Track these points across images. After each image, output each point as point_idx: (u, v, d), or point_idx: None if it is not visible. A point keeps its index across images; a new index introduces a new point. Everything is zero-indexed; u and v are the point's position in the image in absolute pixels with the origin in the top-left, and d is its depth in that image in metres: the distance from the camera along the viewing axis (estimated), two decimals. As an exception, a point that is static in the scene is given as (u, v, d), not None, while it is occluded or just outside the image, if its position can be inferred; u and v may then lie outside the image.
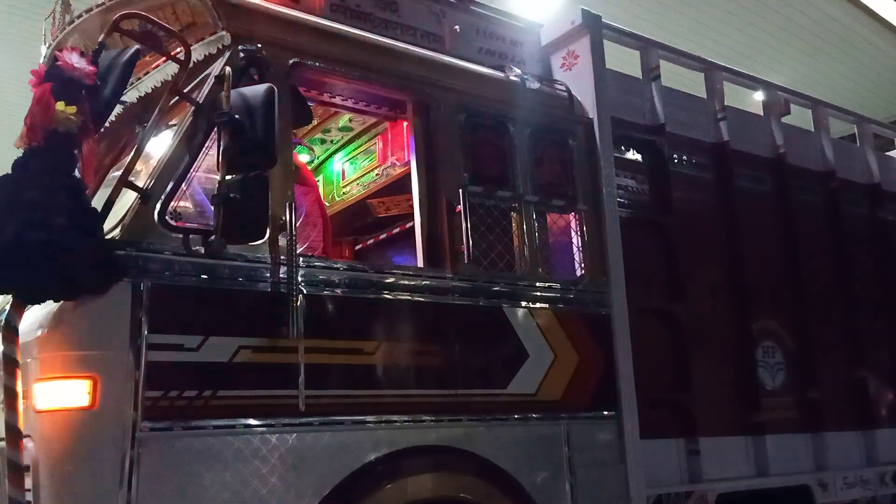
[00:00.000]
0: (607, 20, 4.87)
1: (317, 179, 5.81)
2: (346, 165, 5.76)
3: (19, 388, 2.76)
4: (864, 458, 5.54)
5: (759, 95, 6.05)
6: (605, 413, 4.22)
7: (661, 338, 4.65)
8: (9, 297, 2.86)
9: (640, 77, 5.14)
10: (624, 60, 5.22)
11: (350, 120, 5.34)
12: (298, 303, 3.26)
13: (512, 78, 4.43)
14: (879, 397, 5.86)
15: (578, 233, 4.41)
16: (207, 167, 3.30)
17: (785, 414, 5.15)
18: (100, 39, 3.07)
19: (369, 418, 3.43)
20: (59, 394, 2.79)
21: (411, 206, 4.15)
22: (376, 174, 5.41)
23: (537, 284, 4.16)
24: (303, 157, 5.51)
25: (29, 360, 2.83)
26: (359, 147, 5.62)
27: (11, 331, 2.75)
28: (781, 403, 5.16)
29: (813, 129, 6.19)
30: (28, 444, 2.78)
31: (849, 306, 5.78)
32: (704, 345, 4.81)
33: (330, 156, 5.84)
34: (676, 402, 4.62)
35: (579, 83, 4.66)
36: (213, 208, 3.06)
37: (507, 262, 4.09)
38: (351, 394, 3.43)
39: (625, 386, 4.27)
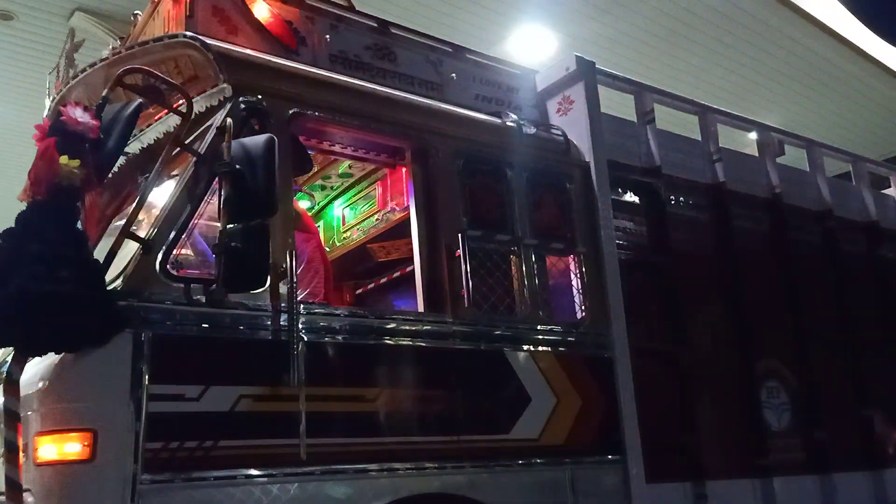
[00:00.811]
0: (601, 65, 4.96)
1: (317, 225, 5.85)
2: (346, 211, 5.80)
3: (20, 441, 2.74)
4: (873, 499, 5.47)
5: (753, 136, 6.13)
6: (610, 457, 4.19)
7: (664, 380, 4.63)
8: (10, 350, 2.86)
9: (635, 120, 5.20)
10: (619, 103, 5.31)
11: (350, 166, 5.40)
12: (299, 350, 3.26)
13: (508, 124, 4.49)
14: (885, 436, 5.81)
15: (578, 275, 4.42)
16: (209, 216, 3.33)
17: (792, 455, 5.10)
18: (104, 94, 3.12)
19: (371, 466, 3.40)
20: (59, 447, 2.77)
21: (411, 251, 4.18)
22: (376, 219, 5.45)
23: (538, 328, 4.16)
24: (303, 204, 5.56)
25: (29, 412, 2.82)
26: (359, 193, 5.67)
27: (13, 384, 2.75)
28: (788, 445, 5.11)
29: (808, 169, 6.24)
30: (28, 498, 2.76)
31: (851, 345, 5.76)
32: (708, 386, 4.79)
33: (330, 202, 5.89)
34: (682, 444, 4.58)
35: (575, 127, 4.72)
36: (214, 257, 3.08)
37: (508, 306, 4.10)
38: (353, 442, 3.41)
39: (629, 429, 4.24)
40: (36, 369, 2.86)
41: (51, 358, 2.85)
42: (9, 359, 2.87)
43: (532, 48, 9.33)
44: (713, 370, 4.91)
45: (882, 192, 7.08)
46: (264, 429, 3.17)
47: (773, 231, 5.61)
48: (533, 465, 3.92)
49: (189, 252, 3.60)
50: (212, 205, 3.25)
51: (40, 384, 2.84)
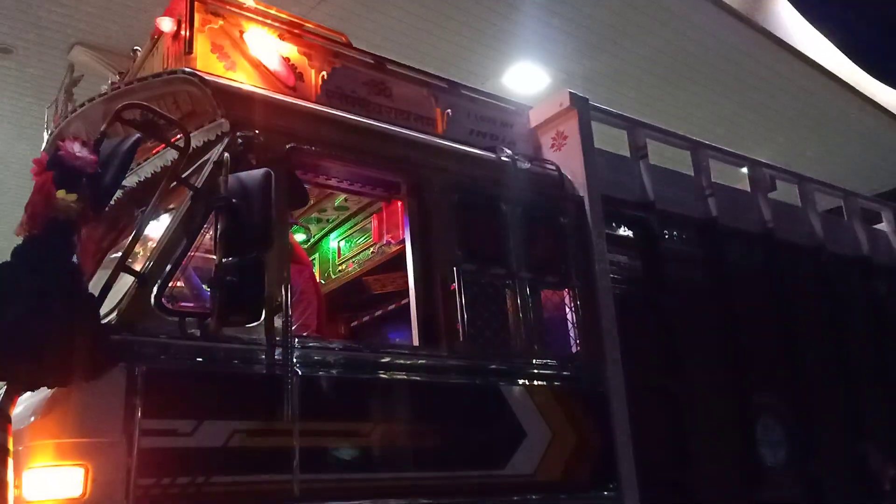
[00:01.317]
0: (594, 101, 5.02)
1: (313, 257, 5.87)
2: (341, 243, 5.82)
3: (10, 477, 2.71)
4: (869, 535, 5.43)
5: (745, 171, 6.19)
6: (606, 493, 4.16)
7: (659, 414, 4.62)
8: (2, 384, 2.85)
9: (629, 155, 5.25)
10: (613, 137, 5.37)
11: (345, 199, 5.43)
12: (293, 384, 3.24)
13: (503, 158, 4.53)
14: (881, 472, 5.77)
15: (573, 309, 4.43)
16: (205, 250, 3.34)
17: (788, 491, 5.06)
18: (102, 129, 3.15)
19: (365, 502, 3.37)
20: (51, 483, 2.74)
21: (406, 284, 4.18)
22: (372, 252, 5.46)
23: (533, 362, 4.16)
24: (298, 237, 5.57)
25: (20, 448, 2.79)
26: (354, 226, 5.69)
27: (4, 419, 2.72)
28: (783, 481, 5.08)
29: (800, 204, 6.30)
30: (18, 535, 2.72)
31: (846, 379, 5.76)
32: (704, 421, 4.77)
33: (326, 234, 5.91)
34: (677, 480, 4.55)
35: (569, 162, 4.77)
36: (208, 291, 3.08)
37: (503, 340, 4.10)
38: (346, 477, 3.38)
39: (624, 464, 4.21)
40: (28, 404, 2.85)
41: (43, 392, 2.84)
42: (1, 393, 2.86)
43: (526, 84, 9.45)
44: (708, 405, 4.89)
45: (874, 227, 7.13)
46: (257, 464, 3.14)
47: (766, 266, 5.64)
48: (528, 500, 3.90)
49: (184, 285, 3.61)
50: (208, 238, 3.26)
51: (32, 419, 2.82)
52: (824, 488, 5.21)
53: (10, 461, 2.71)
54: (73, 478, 2.74)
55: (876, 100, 11.32)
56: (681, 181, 5.48)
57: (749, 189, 5.99)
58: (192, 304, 3.78)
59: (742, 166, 6.19)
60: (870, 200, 7.40)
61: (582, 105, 4.89)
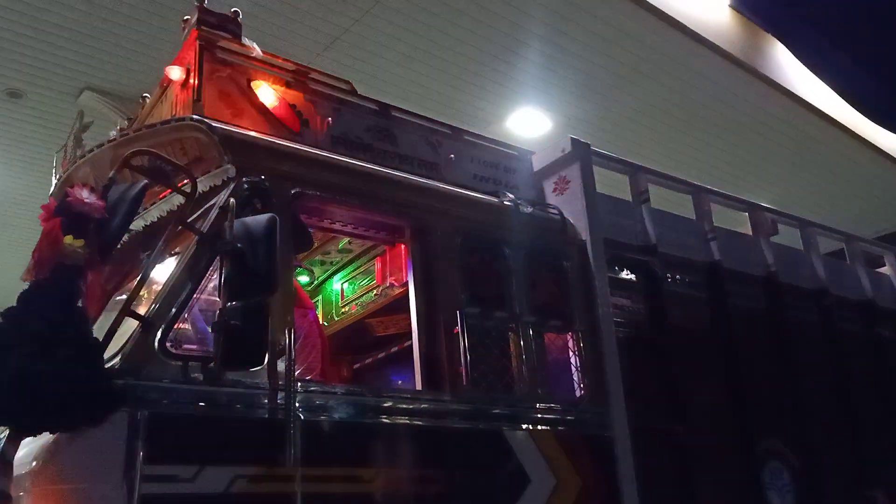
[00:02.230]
0: (595, 144, 5.08)
1: (316, 299, 5.88)
2: (345, 286, 5.84)
3: (10, 523, 2.70)
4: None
5: (746, 214, 6.22)
6: (611, 541, 4.10)
7: (664, 459, 4.57)
8: (4, 428, 2.84)
9: (631, 199, 5.30)
10: (616, 181, 5.41)
11: (349, 242, 5.46)
12: (296, 429, 3.23)
13: (506, 203, 4.57)
14: (891, 518, 5.69)
15: (576, 353, 4.43)
16: (209, 294, 3.36)
17: (796, 538, 4.99)
18: (110, 175, 3.19)
19: (368, 549, 3.33)
20: (51, 529, 2.73)
21: (409, 326, 4.19)
22: (375, 294, 5.48)
23: (537, 406, 4.14)
24: (302, 279, 5.59)
25: (21, 493, 2.78)
26: (357, 268, 5.72)
27: (6, 464, 2.71)
28: (791, 527, 5.01)
29: (802, 248, 6.32)
30: (16, 583, 2.70)
31: (851, 423, 5.71)
32: (709, 466, 4.72)
33: (329, 276, 5.93)
34: (684, 527, 4.49)
35: (571, 207, 4.81)
36: (212, 335, 3.09)
37: (506, 384, 4.09)
38: (349, 524, 3.35)
39: (630, 512, 4.16)
40: (29, 448, 2.84)
41: (45, 437, 2.83)
42: (2, 437, 2.86)
43: (529, 128, 9.56)
44: (714, 450, 4.85)
45: (876, 270, 7.14)
46: (259, 511, 3.12)
47: (769, 309, 5.64)
48: (532, 549, 3.83)
49: (188, 329, 3.62)
50: (212, 283, 3.28)
51: (34, 464, 2.81)
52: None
53: (11, 507, 2.70)
54: (73, 524, 2.72)
55: (876, 144, 11.41)
56: (683, 225, 5.51)
57: (751, 233, 6.01)
58: (195, 347, 3.79)
59: (744, 210, 6.23)
60: (872, 244, 7.42)
61: (584, 150, 4.95)
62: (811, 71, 10.30)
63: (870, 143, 11.31)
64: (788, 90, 9.94)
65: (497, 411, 3.97)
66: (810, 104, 10.26)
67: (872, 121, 11.24)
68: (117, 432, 2.87)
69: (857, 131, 11.05)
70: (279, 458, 3.17)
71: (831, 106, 10.62)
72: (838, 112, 10.73)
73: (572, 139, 4.94)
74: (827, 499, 5.21)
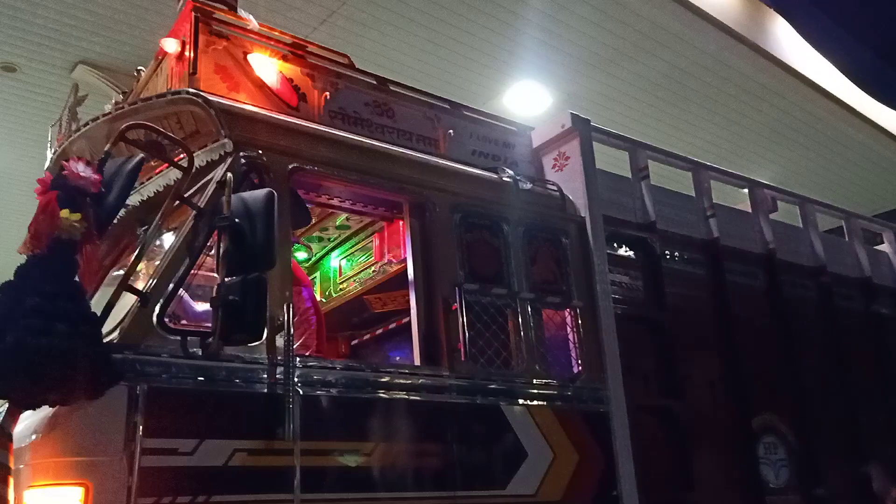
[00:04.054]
0: (595, 121, 5.05)
1: (314, 276, 5.88)
2: (343, 262, 5.83)
3: (11, 495, 2.71)
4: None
5: (746, 192, 6.21)
6: (608, 513, 4.13)
7: (661, 435, 4.61)
8: (4, 402, 2.85)
9: (630, 176, 5.28)
10: (615, 158, 5.39)
11: (347, 218, 5.44)
12: (294, 404, 3.24)
13: (505, 179, 4.56)
14: (884, 492, 5.73)
15: (574, 329, 4.44)
16: (207, 269, 3.35)
17: (790, 512, 5.04)
18: (106, 148, 3.17)
19: (366, 523, 3.36)
20: (52, 501, 2.74)
21: (407, 302, 4.19)
22: (373, 271, 5.47)
23: (534, 382, 4.15)
24: (300, 255, 5.58)
25: (22, 466, 2.79)
26: (356, 244, 5.71)
27: (5, 436, 2.72)
28: (787, 501, 5.06)
29: (801, 225, 6.31)
30: (17, 554, 2.71)
31: (847, 399, 5.75)
32: (705, 441, 4.76)
33: (327, 253, 5.92)
34: (680, 500, 4.53)
35: (571, 183, 4.79)
36: (211, 310, 3.09)
37: (504, 360, 4.10)
38: (347, 497, 3.37)
39: (626, 484, 4.20)
40: (29, 422, 2.85)
41: (45, 411, 2.84)
42: (2, 411, 2.86)
43: (527, 104, 9.48)
44: (710, 425, 4.89)
45: (874, 247, 7.14)
46: (258, 484, 3.13)
47: (767, 286, 5.65)
48: (530, 522, 3.87)
49: (186, 304, 3.61)
50: (210, 258, 3.27)
51: (33, 437, 2.82)
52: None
53: (11, 479, 2.71)
54: (74, 496, 2.74)
55: (877, 121, 11.37)
56: (682, 202, 5.50)
57: (750, 210, 6.01)
58: (194, 324, 3.78)
59: (743, 187, 6.21)
60: (870, 221, 7.42)
61: (583, 126, 4.92)
62: (812, 46, 10.24)
63: (870, 120, 11.26)
64: (789, 66, 9.88)
65: (495, 387, 3.98)
66: (811, 81, 10.20)
67: (872, 96, 11.19)
68: (117, 406, 2.88)
69: (857, 108, 10.99)
70: (278, 433, 3.18)
71: (832, 82, 10.57)
72: (839, 89, 10.67)
73: (572, 115, 4.92)
74: (821, 473, 5.25)
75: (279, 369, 3.28)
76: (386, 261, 5.32)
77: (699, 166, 5.75)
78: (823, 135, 11.25)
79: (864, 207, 8.88)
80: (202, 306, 3.87)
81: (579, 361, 4.38)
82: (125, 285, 3.08)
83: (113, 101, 4.82)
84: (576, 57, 9.00)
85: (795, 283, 5.85)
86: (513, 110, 9.13)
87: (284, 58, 4.20)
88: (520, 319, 4.20)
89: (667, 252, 5.14)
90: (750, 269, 5.61)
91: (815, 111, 10.69)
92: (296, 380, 3.29)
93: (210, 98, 3.66)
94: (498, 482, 3.82)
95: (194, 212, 3.35)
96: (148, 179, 3.97)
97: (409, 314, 4.15)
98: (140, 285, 3.20)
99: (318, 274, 5.93)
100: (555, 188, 4.79)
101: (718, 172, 5.93)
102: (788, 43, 10.01)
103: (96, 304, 3.06)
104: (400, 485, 3.54)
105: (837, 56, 10.36)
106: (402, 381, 3.74)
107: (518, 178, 4.59)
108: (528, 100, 9.50)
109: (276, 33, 4.26)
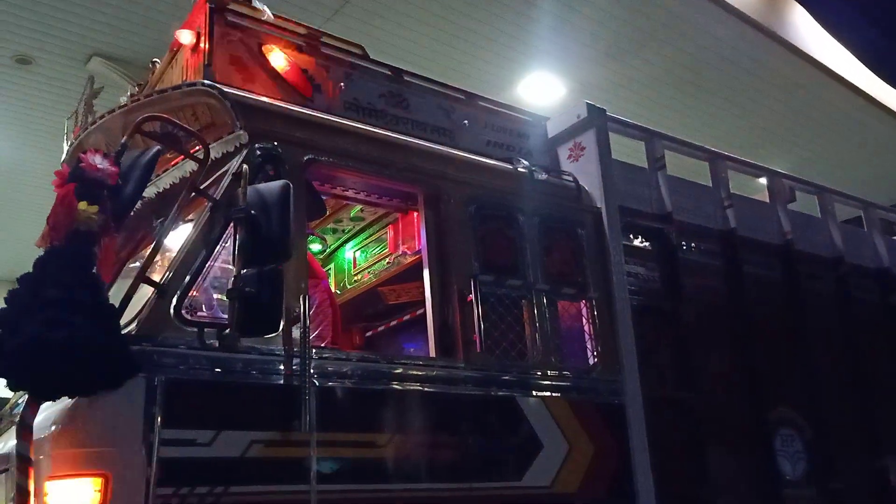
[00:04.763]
0: (610, 111, 5.01)
1: (329, 268, 5.88)
2: (357, 254, 5.83)
3: (31, 486, 2.73)
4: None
5: (764, 181, 6.15)
6: (623, 505, 4.13)
7: (676, 427, 4.58)
8: (23, 394, 2.87)
9: (646, 166, 5.23)
10: (631, 148, 5.35)
11: (361, 210, 5.44)
12: (310, 395, 3.25)
13: (520, 170, 4.53)
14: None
15: (590, 321, 4.42)
16: (223, 261, 3.36)
17: (807, 505, 5.01)
18: (122, 141, 3.17)
19: (381, 513, 3.37)
20: (71, 492, 2.76)
21: (422, 294, 4.19)
22: (387, 262, 5.47)
23: (550, 373, 4.14)
24: (314, 247, 5.59)
25: (41, 457, 2.80)
26: (370, 236, 5.71)
27: (25, 428, 2.74)
28: (803, 494, 5.03)
29: (819, 215, 6.25)
30: (38, 544, 2.74)
31: (864, 392, 5.70)
32: (721, 434, 4.74)
33: (341, 244, 5.93)
34: (695, 493, 4.51)
35: (586, 173, 4.76)
36: (228, 302, 3.09)
37: (519, 351, 4.09)
38: (363, 488, 3.38)
39: (642, 477, 4.19)
40: (48, 413, 2.87)
41: (64, 402, 2.86)
42: (22, 402, 2.88)
43: (542, 94, 9.45)
44: (726, 417, 4.86)
45: (893, 238, 7.06)
46: (275, 475, 3.15)
47: (784, 277, 5.60)
48: (545, 513, 3.87)
49: (203, 296, 3.62)
50: (226, 250, 3.28)
51: (53, 428, 2.84)
52: (844, 502, 5.14)
53: (31, 470, 2.73)
54: (92, 487, 2.76)
55: (895, 109, 11.23)
56: (699, 192, 5.45)
57: (768, 200, 5.95)
58: (211, 316, 3.80)
59: (761, 177, 6.15)
60: (889, 211, 7.33)
61: (599, 116, 4.88)
62: (829, 34, 10.12)
63: (889, 108, 11.15)
64: (807, 54, 9.77)
65: (510, 378, 3.97)
66: (829, 69, 10.09)
67: (891, 85, 11.05)
68: (135, 397, 2.90)
69: (876, 97, 10.87)
70: (294, 424, 3.19)
71: (850, 71, 10.45)
72: (858, 77, 10.55)
73: (588, 104, 4.88)
74: (838, 466, 5.21)
75: (295, 361, 3.28)
76: (400, 252, 5.31)
77: (716, 156, 5.70)
78: (842, 124, 11.13)
79: (882, 197, 8.77)
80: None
81: (595, 353, 4.36)
82: (142, 277, 3.09)
83: (128, 94, 4.83)
84: (590, 46, 8.94)
85: (813, 274, 5.79)
86: (527, 100, 9.09)
87: (299, 49, 4.19)
88: (535, 311, 4.19)
89: (683, 243, 5.10)
90: (767, 260, 5.56)
91: (833, 100, 10.58)
92: (312, 371, 3.30)
93: (225, 90, 3.65)
94: (513, 474, 3.82)
95: (210, 204, 3.36)
96: (163, 172, 3.97)
97: (423, 306, 4.15)
98: (156, 277, 3.21)
99: (332, 266, 5.94)
100: (570, 179, 4.76)
101: (736, 162, 5.87)
102: (806, 31, 9.90)
103: (113, 296, 3.07)
104: (415, 476, 3.55)
105: (854, 42, 10.25)
106: (417, 372, 3.74)
107: (533, 168, 4.57)
108: (542, 90, 9.46)
109: (291, 24, 4.25)
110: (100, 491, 2.76)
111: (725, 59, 9.46)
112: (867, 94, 10.73)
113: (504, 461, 3.83)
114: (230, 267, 3.15)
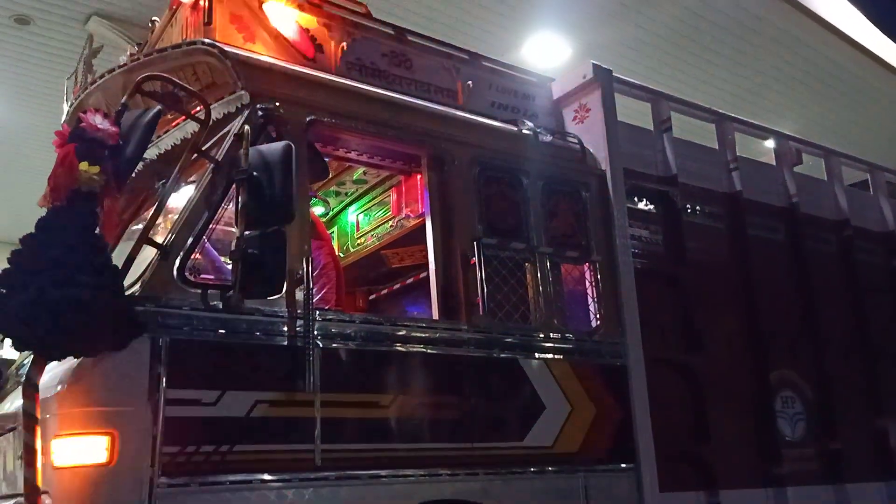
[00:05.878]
0: (617, 72, 4.94)
1: (332, 231, 5.87)
2: (360, 217, 5.81)
3: (38, 444, 2.76)
4: (888, 509, 5.43)
5: (770, 144, 6.10)
6: (624, 466, 4.18)
7: (678, 389, 4.62)
8: (29, 354, 2.89)
9: (652, 128, 5.19)
10: (636, 111, 5.29)
11: (364, 172, 5.41)
12: (314, 356, 3.27)
13: (524, 131, 4.49)
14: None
15: (593, 283, 4.42)
16: (226, 223, 3.35)
17: (806, 465, 5.07)
18: (122, 101, 3.14)
19: (385, 472, 3.41)
20: (78, 450, 2.80)
21: (425, 257, 4.18)
22: (390, 225, 5.45)
23: (552, 336, 4.16)
24: (317, 210, 5.57)
25: (48, 416, 2.84)
26: (373, 199, 5.68)
27: (31, 387, 2.77)
28: (802, 454, 5.08)
29: (826, 178, 6.21)
30: (46, 500, 2.77)
31: (867, 355, 5.73)
32: (722, 395, 4.76)
33: (344, 208, 5.90)
34: (695, 454, 4.56)
35: (591, 136, 4.72)
36: (228, 265, 3.10)
37: (522, 314, 4.10)
38: (366, 448, 3.42)
39: (642, 438, 4.23)
40: (54, 373, 2.89)
41: (69, 362, 2.88)
42: (28, 362, 2.90)
43: (546, 55, 9.32)
44: (728, 379, 4.89)
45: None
46: (279, 434, 3.18)
47: (789, 240, 5.58)
48: (546, 472, 3.92)
49: (206, 258, 3.62)
50: (229, 211, 3.27)
51: (59, 387, 2.87)
52: (843, 463, 5.20)
53: (38, 429, 2.76)
54: (99, 445, 2.79)
55: (904, 72, 11.09)
56: (705, 155, 5.41)
57: (774, 163, 5.90)
58: (212, 277, 3.80)
59: (767, 139, 6.10)
60: (896, 174, 7.27)
61: (605, 77, 4.82)
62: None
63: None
64: (815, 13, 9.61)
65: (513, 340, 3.99)
66: (837, 29, 9.94)
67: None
68: (141, 357, 2.92)
69: (885, 58, 10.72)
70: (298, 384, 3.22)
71: (859, 31, 10.28)
72: (866, 38, 10.39)
73: (594, 65, 4.81)
74: (838, 428, 5.26)
75: (299, 322, 3.29)
76: (403, 215, 5.29)
77: (723, 118, 5.64)
78: (849, 85, 11.00)
79: (890, 160, 8.70)
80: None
81: (597, 316, 4.37)
82: (145, 238, 3.09)
83: (128, 53, 4.77)
84: (596, 5, 8.80)
85: (818, 237, 5.78)
86: (531, 61, 8.97)
87: (301, 7, 4.13)
88: (538, 274, 4.18)
89: (688, 206, 5.08)
90: (772, 222, 5.54)
91: (841, 61, 10.43)
92: (315, 333, 3.32)
93: (226, 49, 3.61)
94: (516, 434, 3.87)
95: (212, 165, 3.34)
96: (165, 133, 3.95)
97: (426, 269, 4.15)
98: (159, 239, 3.20)
99: (335, 229, 5.92)
100: (575, 141, 4.72)
101: (742, 124, 5.81)
102: (814, -11, 9.72)
103: (116, 259, 3.07)
104: (418, 436, 3.59)
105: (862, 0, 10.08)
106: (420, 334, 3.76)
107: (538, 130, 4.53)
108: (547, 51, 9.33)
109: (292, -18, 4.17)
110: (107, 449, 2.79)
111: (731, 17, 9.31)
112: (876, 56, 10.59)
113: (506, 422, 3.87)
114: (233, 229, 3.15)
